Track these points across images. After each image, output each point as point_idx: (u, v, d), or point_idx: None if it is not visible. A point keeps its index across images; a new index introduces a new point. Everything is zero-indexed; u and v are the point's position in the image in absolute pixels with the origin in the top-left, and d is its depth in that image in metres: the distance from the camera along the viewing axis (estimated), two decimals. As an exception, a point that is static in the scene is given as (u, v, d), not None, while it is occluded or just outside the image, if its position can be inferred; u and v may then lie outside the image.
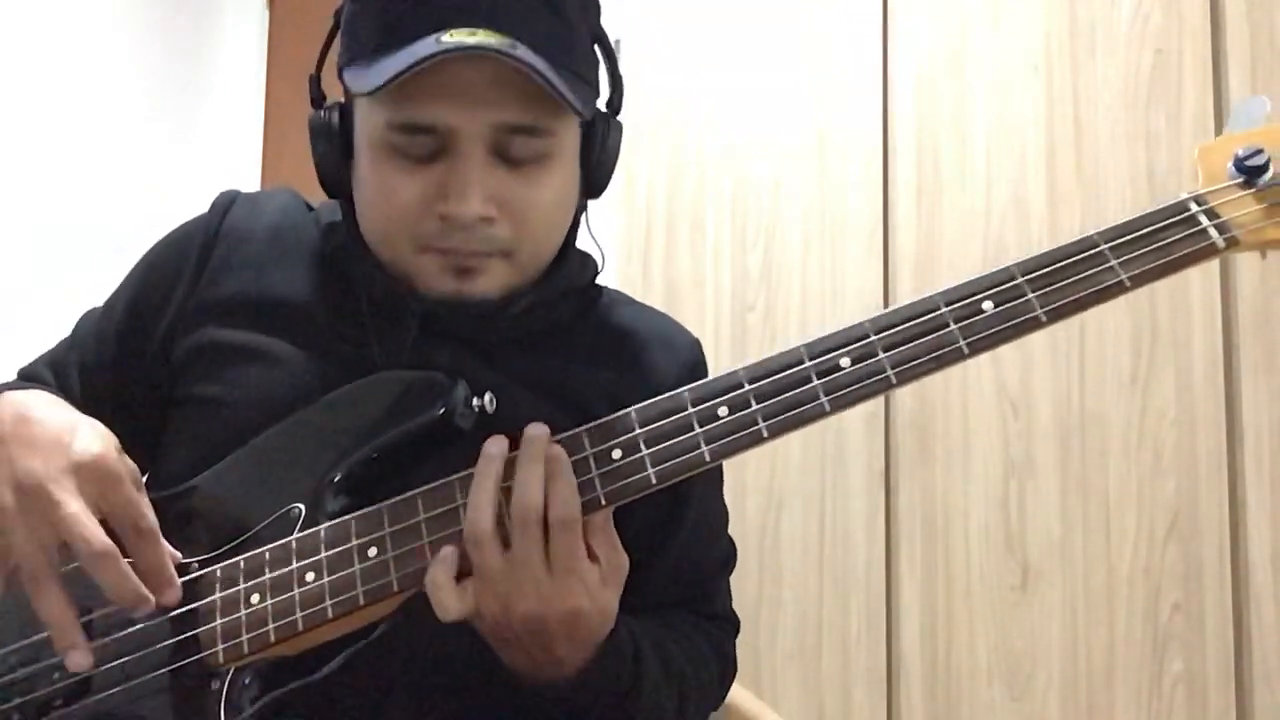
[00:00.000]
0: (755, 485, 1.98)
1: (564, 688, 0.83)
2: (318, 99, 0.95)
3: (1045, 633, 1.78)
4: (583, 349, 0.98)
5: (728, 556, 1.07)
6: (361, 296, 0.94)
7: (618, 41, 2.16)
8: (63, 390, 1.00)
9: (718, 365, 2.02)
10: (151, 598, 0.78)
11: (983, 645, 1.82)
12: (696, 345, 1.05)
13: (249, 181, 2.97)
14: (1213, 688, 1.68)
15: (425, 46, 0.82)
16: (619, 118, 0.97)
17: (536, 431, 0.80)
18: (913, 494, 1.90)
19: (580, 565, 0.78)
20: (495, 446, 0.80)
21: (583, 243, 1.03)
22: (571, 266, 0.99)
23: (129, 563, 0.78)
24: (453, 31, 0.82)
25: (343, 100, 0.94)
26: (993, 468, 1.85)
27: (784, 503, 1.97)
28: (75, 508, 0.76)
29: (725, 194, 2.11)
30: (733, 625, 1.06)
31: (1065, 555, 1.79)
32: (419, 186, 0.87)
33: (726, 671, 1.03)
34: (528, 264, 0.93)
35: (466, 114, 0.85)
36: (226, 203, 1.02)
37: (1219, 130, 1.76)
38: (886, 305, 1.96)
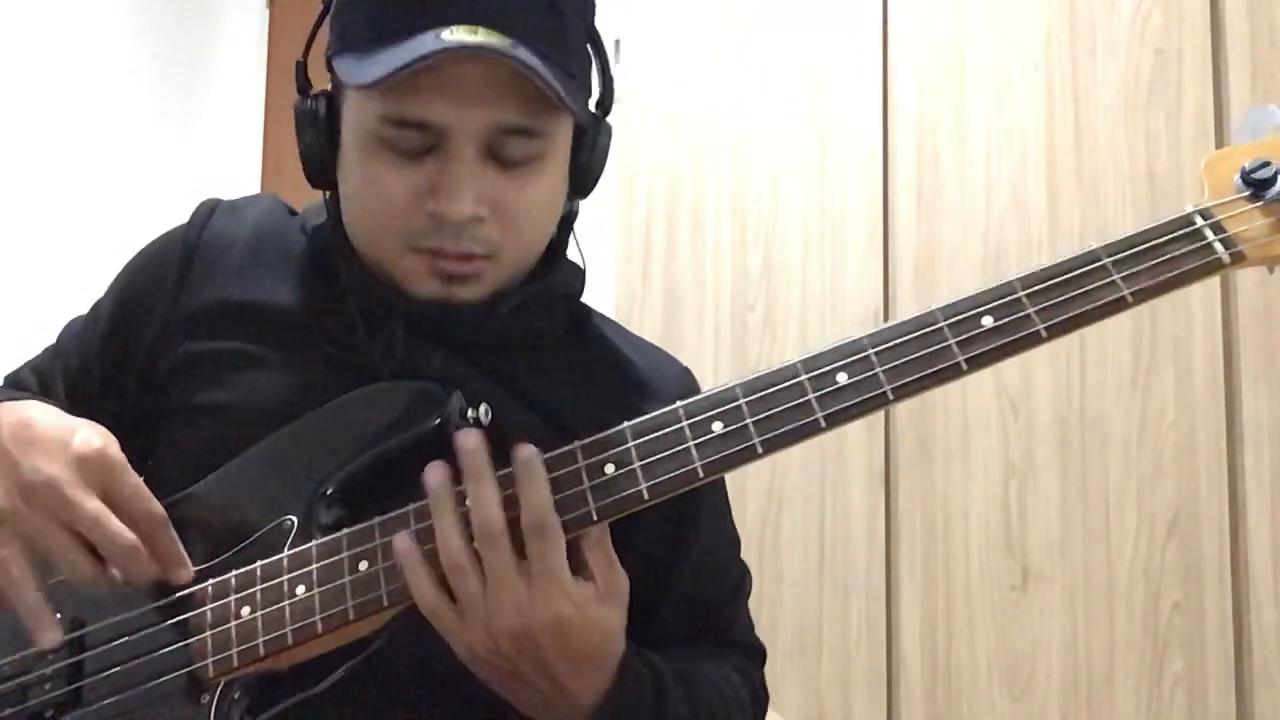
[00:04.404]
0: (755, 485, 1.98)
1: None
2: (304, 86, 0.93)
3: (1045, 633, 1.78)
4: (572, 370, 0.97)
5: (740, 582, 1.03)
6: (349, 299, 0.92)
7: (617, 41, 2.15)
8: (48, 397, 1.00)
9: (718, 364, 2.07)
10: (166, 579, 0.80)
11: (983, 645, 1.82)
12: (687, 375, 1.04)
13: (249, 181, 2.97)
14: (1213, 688, 1.68)
15: (426, 43, 0.80)
16: (609, 118, 0.95)
17: (471, 445, 0.77)
18: (913, 494, 1.89)
19: (560, 572, 0.75)
20: (437, 475, 0.78)
21: (571, 253, 1.01)
22: (562, 273, 0.99)
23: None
24: (453, 28, 0.81)
25: (329, 89, 0.92)
26: (993, 468, 1.85)
27: (784, 503, 1.97)
28: (93, 505, 0.77)
29: (725, 194, 2.11)
30: (758, 654, 1.02)
31: (1065, 555, 1.78)
32: (409, 182, 0.86)
33: (760, 702, 0.99)
34: (513, 266, 0.92)
35: (463, 112, 0.83)
36: (206, 212, 1.01)
37: (1219, 131, 1.76)
38: (886, 305, 1.96)
